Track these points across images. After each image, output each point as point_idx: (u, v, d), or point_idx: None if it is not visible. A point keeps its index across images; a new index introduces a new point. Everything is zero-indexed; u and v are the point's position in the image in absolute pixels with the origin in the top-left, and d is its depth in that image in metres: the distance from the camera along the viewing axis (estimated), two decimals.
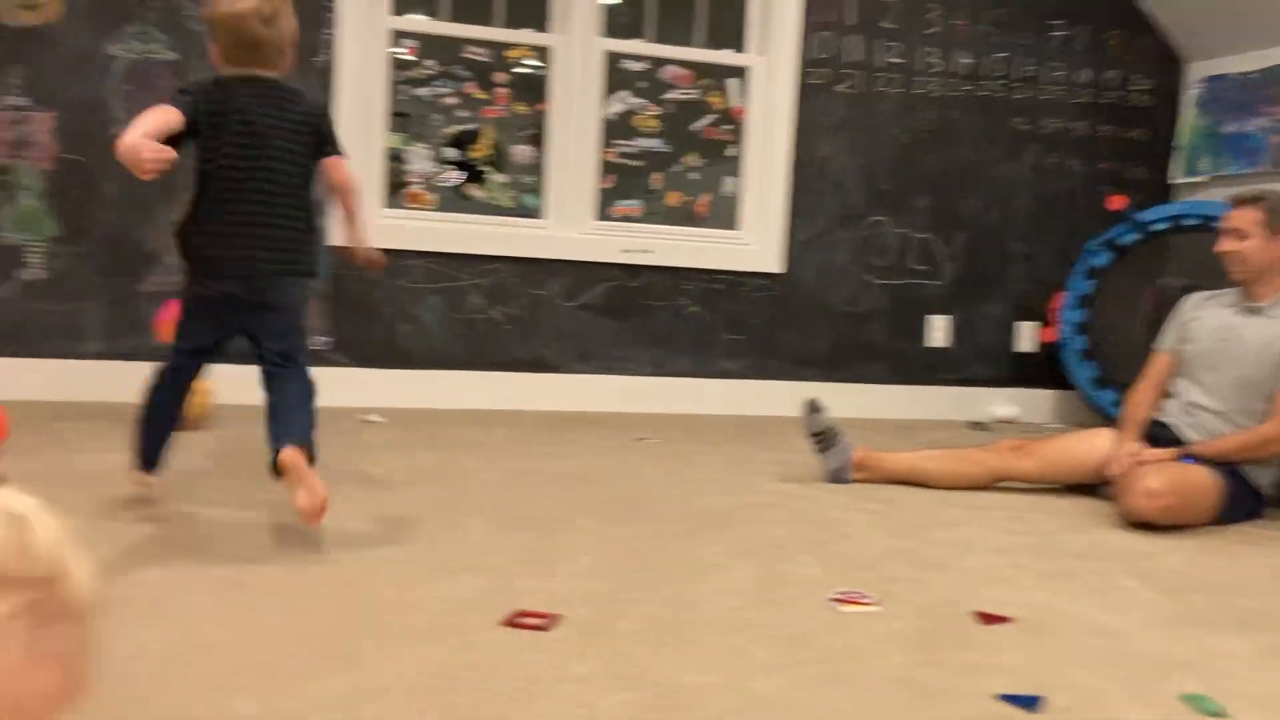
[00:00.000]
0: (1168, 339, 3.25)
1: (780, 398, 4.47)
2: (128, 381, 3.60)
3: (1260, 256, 3.03)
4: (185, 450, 3.09)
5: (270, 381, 2.41)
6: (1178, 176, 4.75)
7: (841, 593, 2.15)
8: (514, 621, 1.89)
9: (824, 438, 3.21)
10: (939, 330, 4.68)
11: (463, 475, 3.03)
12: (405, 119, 4.13)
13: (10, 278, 3.71)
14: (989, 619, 2.05)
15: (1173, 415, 3.12)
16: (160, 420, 2.47)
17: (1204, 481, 2.89)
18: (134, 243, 3.80)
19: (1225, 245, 3.08)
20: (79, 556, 0.71)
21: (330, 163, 2.48)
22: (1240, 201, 3.09)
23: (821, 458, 3.21)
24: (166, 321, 3.08)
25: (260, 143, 2.36)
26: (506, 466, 3.17)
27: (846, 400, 4.55)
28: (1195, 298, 3.27)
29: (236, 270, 2.37)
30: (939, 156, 4.60)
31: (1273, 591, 2.37)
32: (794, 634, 1.93)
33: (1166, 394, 3.20)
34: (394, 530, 2.44)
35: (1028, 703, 1.68)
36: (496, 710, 1.54)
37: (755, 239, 4.44)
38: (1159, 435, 3.07)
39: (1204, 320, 3.16)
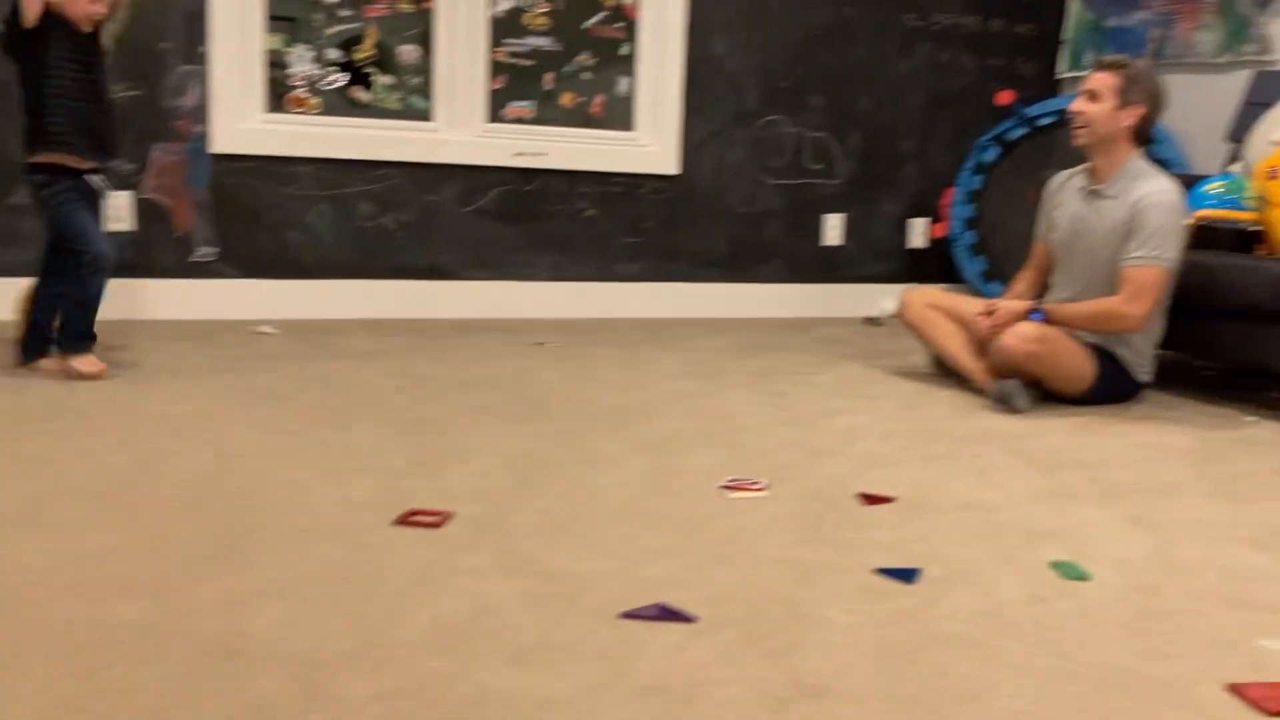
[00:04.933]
0: (1040, 226, 3.32)
1: (680, 299, 4.49)
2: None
3: (1106, 124, 3.01)
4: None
5: None
6: (1064, 71, 4.83)
7: (732, 480, 2.20)
8: (406, 520, 1.90)
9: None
10: (834, 228, 4.73)
11: (356, 383, 3.00)
12: (287, 22, 3.97)
13: None
14: (872, 500, 2.12)
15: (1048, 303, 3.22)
16: None
17: (1074, 347, 2.99)
18: (2, 153, 3.62)
19: (1075, 105, 3.06)
20: None
21: None
22: (1102, 65, 3.06)
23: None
24: None
25: None
26: (401, 374, 3.14)
27: (744, 300, 4.60)
28: (1058, 178, 3.30)
29: None
30: (833, 54, 4.60)
31: (1138, 465, 2.49)
32: (685, 521, 1.97)
33: (1048, 284, 3.30)
34: (285, 436, 2.41)
35: (905, 575, 1.75)
36: (386, 602, 1.56)
37: (651, 140, 4.41)
38: None
39: (1063, 208, 3.20)
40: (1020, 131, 4.45)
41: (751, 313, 4.61)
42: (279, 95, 3.97)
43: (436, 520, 1.89)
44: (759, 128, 4.55)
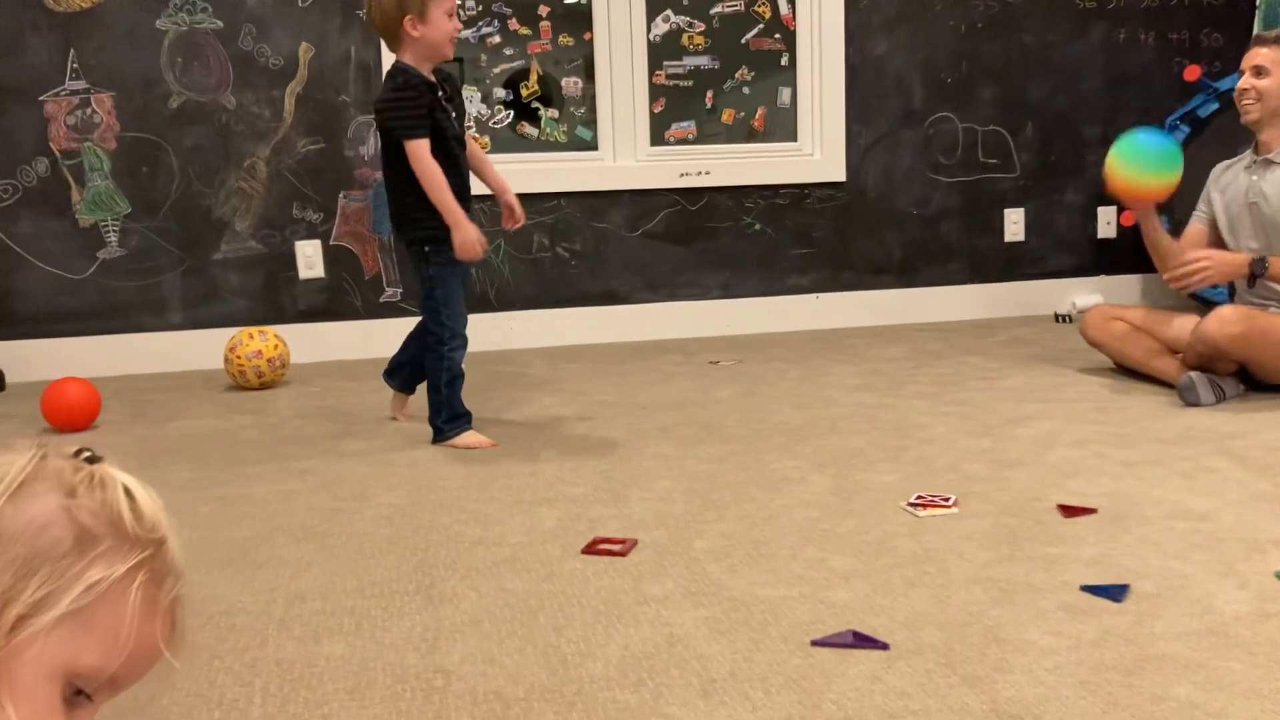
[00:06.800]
0: (1200, 210, 3.24)
1: (853, 308, 4.41)
2: (208, 350, 3.74)
3: (1277, 95, 2.96)
4: (265, 410, 3.18)
5: None
6: None
7: (919, 497, 2.13)
8: (592, 549, 1.92)
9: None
10: (1015, 223, 4.55)
11: (537, 411, 3.06)
12: (455, 63, 4.12)
13: (93, 258, 3.81)
14: (1071, 511, 2.02)
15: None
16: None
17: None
18: (203, 212, 3.88)
19: (1243, 82, 3.01)
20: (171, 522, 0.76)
21: None
22: (1264, 40, 3.04)
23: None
24: None
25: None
26: (581, 400, 3.19)
27: (923, 305, 4.48)
28: (1218, 168, 3.23)
29: None
30: (1000, 44, 4.44)
31: None
32: (871, 541, 1.92)
33: None
34: (476, 467, 2.48)
35: (1113, 592, 1.65)
36: (578, 634, 1.57)
37: (816, 149, 4.35)
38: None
39: (1227, 192, 3.12)
40: (1212, 107, 4.18)
41: (931, 317, 4.49)
42: None
43: (622, 548, 1.91)
44: (928, 126, 4.43)
